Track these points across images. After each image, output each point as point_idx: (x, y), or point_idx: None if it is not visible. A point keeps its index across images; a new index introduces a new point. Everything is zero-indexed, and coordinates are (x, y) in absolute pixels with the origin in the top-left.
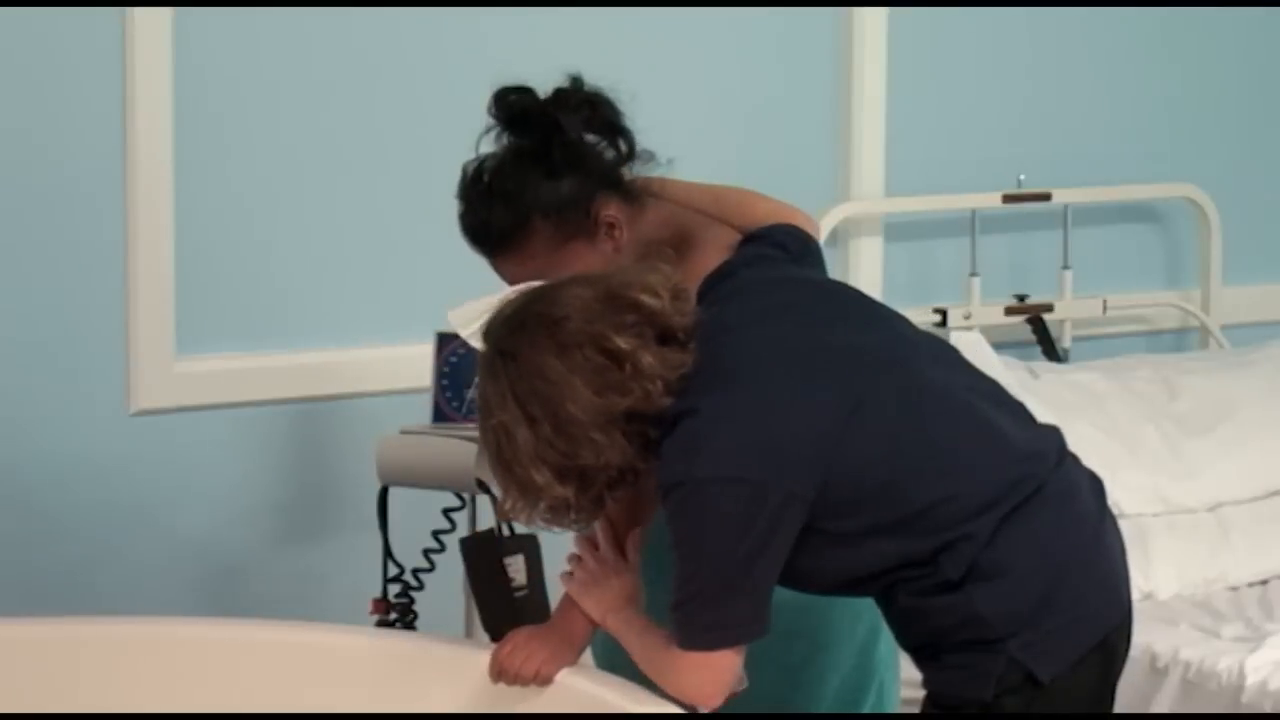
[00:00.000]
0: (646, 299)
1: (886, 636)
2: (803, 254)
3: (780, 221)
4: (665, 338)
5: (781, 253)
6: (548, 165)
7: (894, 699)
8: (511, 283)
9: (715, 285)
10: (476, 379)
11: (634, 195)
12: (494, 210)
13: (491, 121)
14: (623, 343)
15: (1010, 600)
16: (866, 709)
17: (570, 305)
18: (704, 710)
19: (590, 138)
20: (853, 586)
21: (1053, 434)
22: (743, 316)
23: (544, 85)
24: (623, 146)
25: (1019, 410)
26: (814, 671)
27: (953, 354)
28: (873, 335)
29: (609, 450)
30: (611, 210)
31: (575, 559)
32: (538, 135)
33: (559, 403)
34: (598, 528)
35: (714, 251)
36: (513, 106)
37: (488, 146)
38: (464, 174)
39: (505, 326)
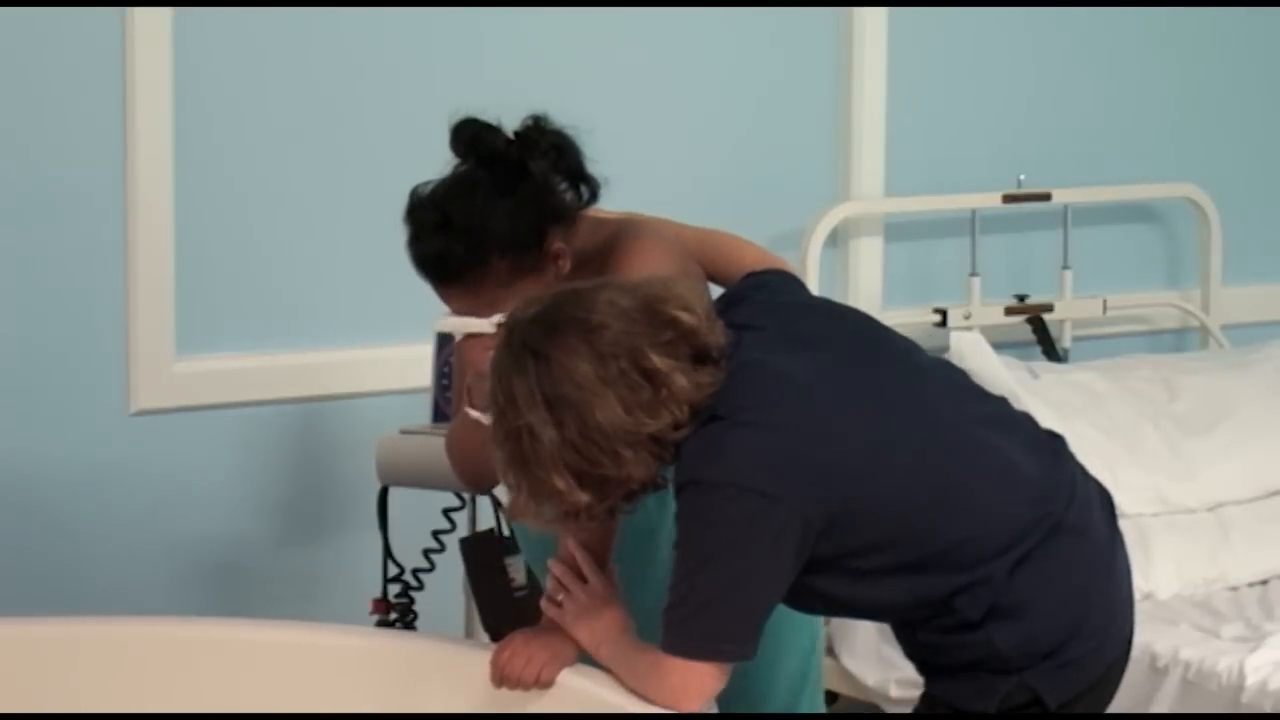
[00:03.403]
0: (684, 316)
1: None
2: (800, 286)
3: (771, 267)
4: (700, 357)
5: (785, 283)
6: (510, 205)
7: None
8: (454, 312)
9: (727, 309)
10: (496, 374)
11: (574, 221)
12: (452, 245)
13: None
14: (659, 361)
15: (1031, 638)
16: (810, 683)
17: (607, 312)
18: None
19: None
20: (872, 618)
21: (1060, 455)
22: (766, 344)
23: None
24: (585, 193)
25: (1027, 430)
26: (771, 656)
27: (962, 379)
28: (890, 372)
29: (632, 464)
30: (559, 243)
31: (563, 590)
32: (502, 174)
33: (589, 411)
34: (579, 557)
35: (652, 246)
36: (481, 145)
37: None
38: (415, 197)
39: (537, 325)
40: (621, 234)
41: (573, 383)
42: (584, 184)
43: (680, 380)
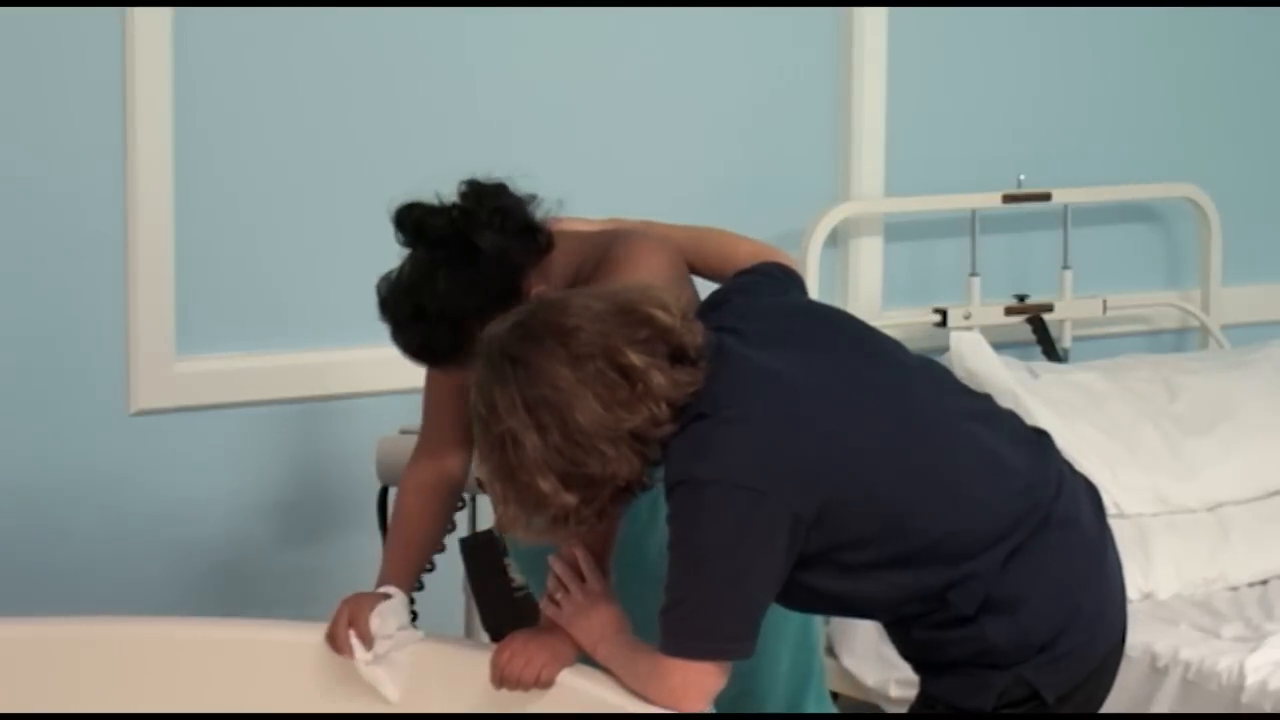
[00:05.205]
0: (659, 314)
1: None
2: (788, 283)
3: (765, 260)
4: (677, 356)
5: (770, 281)
6: (474, 275)
7: (824, 670)
8: (453, 395)
9: (711, 311)
10: (477, 387)
11: (551, 249)
12: (434, 331)
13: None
14: (635, 359)
15: (1025, 632)
16: (812, 684)
17: (581, 315)
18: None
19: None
20: (866, 615)
21: (1047, 450)
22: (748, 344)
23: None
24: (540, 240)
25: (1012, 425)
26: (769, 652)
27: (946, 377)
28: (875, 368)
29: (616, 462)
30: (538, 285)
31: (561, 589)
32: (456, 251)
33: (568, 412)
34: (579, 557)
35: (644, 247)
36: (427, 231)
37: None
38: (382, 291)
39: (513, 333)
40: (613, 243)
41: (551, 385)
42: (535, 234)
43: (657, 377)
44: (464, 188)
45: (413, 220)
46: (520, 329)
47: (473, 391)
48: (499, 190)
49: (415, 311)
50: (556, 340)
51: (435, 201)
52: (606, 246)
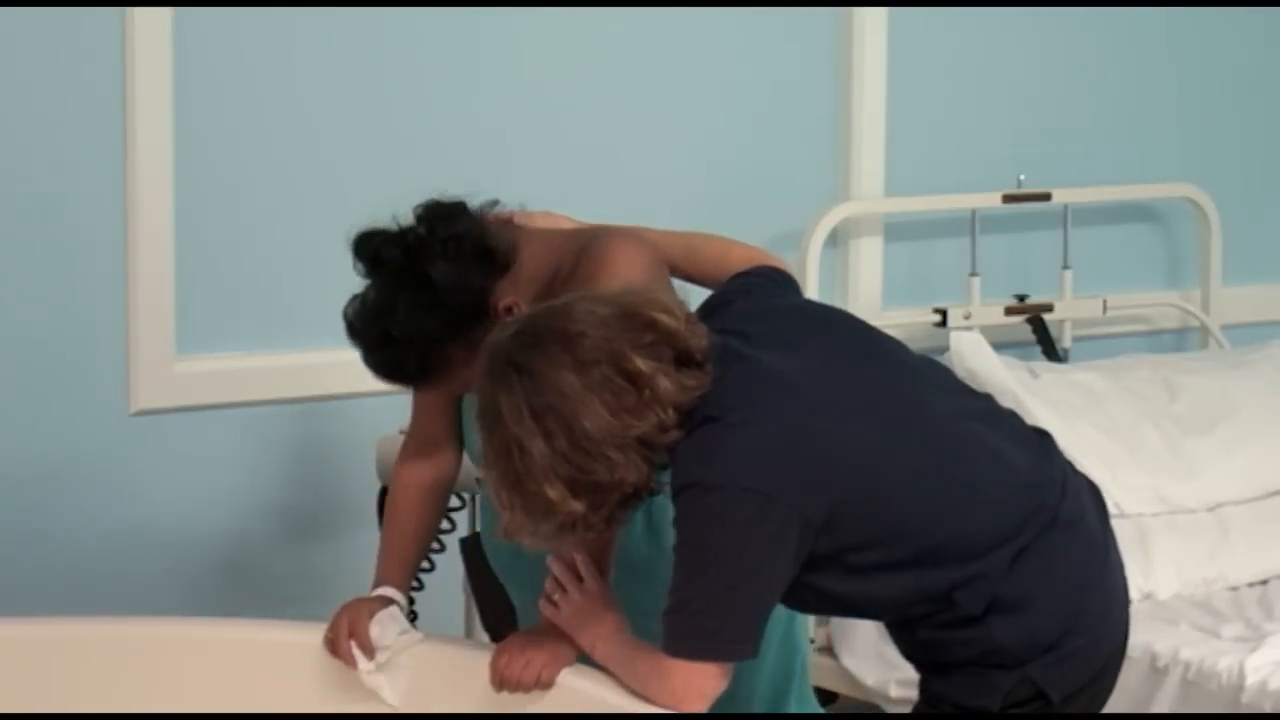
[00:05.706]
0: (664, 318)
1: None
2: (785, 286)
3: (759, 264)
4: (683, 359)
5: (769, 283)
6: (436, 298)
7: (809, 668)
8: (441, 397)
9: (712, 313)
10: (482, 395)
11: (512, 264)
12: (403, 355)
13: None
14: (641, 364)
15: (1031, 632)
16: (795, 682)
17: (585, 321)
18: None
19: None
20: (871, 616)
21: (1050, 451)
22: (753, 346)
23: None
24: (499, 259)
25: (1015, 425)
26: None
27: (949, 377)
28: (878, 368)
29: (624, 468)
30: (507, 297)
31: (560, 590)
32: (416, 278)
33: (575, 419)
34: (577, 559)
35: (623, 245)
36: (383, 262)
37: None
38: (348, 318)
39: (517, 340)
40: (591, 242)
41: (557, 392)
42: (494, 254)
43: (664, 382)
44: (420, 210)
45: (370, 251)
46: (523, 336)
47: (477, 399)
48: (454, 213)
49: (381, 337)
50: (561, 346)
51: (394, 226)
52: (584, 245)
